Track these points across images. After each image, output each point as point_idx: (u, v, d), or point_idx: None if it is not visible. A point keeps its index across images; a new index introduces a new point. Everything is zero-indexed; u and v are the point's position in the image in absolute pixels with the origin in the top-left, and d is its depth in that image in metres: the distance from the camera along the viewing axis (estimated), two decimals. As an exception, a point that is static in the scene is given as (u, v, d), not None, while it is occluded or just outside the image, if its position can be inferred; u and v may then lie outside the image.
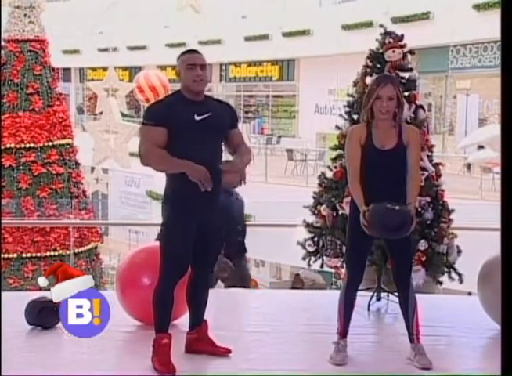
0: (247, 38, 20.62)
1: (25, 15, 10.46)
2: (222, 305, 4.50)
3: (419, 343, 3.58)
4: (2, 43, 10.61)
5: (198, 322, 3.62)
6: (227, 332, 3.93)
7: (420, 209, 4.32)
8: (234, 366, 3.48)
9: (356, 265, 3.57)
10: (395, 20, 15.27)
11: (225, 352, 3.61)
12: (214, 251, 3.60)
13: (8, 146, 10.23)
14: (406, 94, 4.50)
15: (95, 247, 10.89)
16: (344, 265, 3.77)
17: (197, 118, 3.34)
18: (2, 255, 9.94)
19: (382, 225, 3.32)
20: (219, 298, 4.44)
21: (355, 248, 3.56)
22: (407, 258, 3.58)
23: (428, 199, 4.37)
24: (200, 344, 3.61)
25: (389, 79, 3.57)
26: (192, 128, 3.32)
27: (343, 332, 3.57)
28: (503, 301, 2.76)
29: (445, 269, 4.44)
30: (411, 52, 4.61)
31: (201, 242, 3.41)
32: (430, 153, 4.59)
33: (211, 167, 3.32)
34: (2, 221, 9.60)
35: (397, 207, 3.33)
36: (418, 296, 4.64)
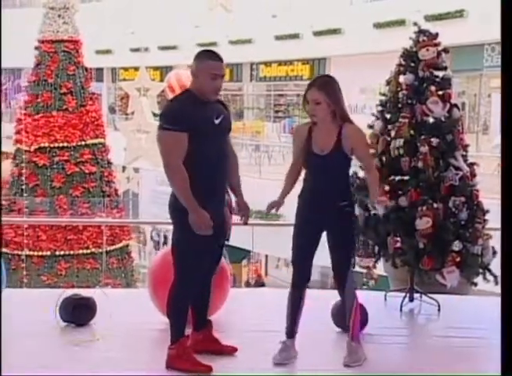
0: (278, 37, 20.57)
1: (59, 16, 10.62)
2: (227, 305, 4.45)
3: (352, 341, 3.51)
4: (37, 44, 10.78)
5: (204, 322, 3.62)
6: (232, 331, 3.92)
7: (454, 209, 4.27)
8: (235, 366, 3.46)
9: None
10: (428, 18, 15.06)
11: (231, 351, 3.61)
12: (218, 253, 3.61)
13: (42, 145, 10.39)
14: (440, 93, 4.45)
15: (127, 246, 11.00)
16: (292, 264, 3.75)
17: (216, 121, 3.37)
18: (36, 253, 10.11)
19: None
20: (233, 297, 4.36)
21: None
22: (344, 252, 3.53)
23: (463, 199, 4.31)
24: (206, 344, 3.59)
25: (315, 83, 3.55)
26: (212, 130, 3.35)
27: (288, 332, 3.55)
28: (503, 301, 2.70)
29: (480, 270, 4.37)
30: (445, 50, 4.54)
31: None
32: (464, 153, 4.53)
33: (224, 167, 3.41)
34: (37, 219, 9.77)
35: None
36: (451, 297, 4.59)
